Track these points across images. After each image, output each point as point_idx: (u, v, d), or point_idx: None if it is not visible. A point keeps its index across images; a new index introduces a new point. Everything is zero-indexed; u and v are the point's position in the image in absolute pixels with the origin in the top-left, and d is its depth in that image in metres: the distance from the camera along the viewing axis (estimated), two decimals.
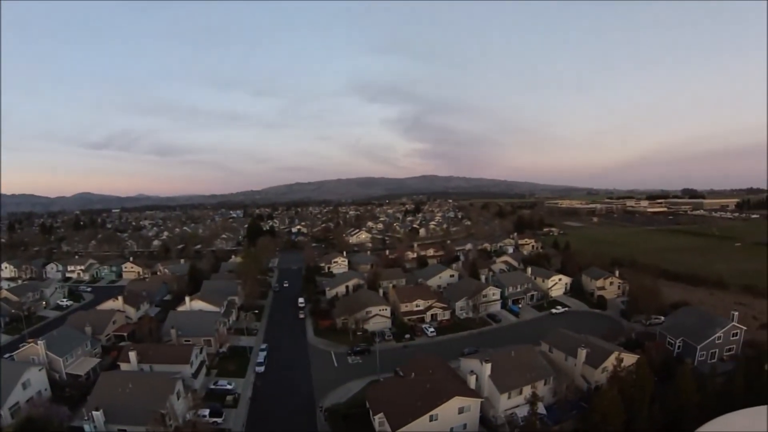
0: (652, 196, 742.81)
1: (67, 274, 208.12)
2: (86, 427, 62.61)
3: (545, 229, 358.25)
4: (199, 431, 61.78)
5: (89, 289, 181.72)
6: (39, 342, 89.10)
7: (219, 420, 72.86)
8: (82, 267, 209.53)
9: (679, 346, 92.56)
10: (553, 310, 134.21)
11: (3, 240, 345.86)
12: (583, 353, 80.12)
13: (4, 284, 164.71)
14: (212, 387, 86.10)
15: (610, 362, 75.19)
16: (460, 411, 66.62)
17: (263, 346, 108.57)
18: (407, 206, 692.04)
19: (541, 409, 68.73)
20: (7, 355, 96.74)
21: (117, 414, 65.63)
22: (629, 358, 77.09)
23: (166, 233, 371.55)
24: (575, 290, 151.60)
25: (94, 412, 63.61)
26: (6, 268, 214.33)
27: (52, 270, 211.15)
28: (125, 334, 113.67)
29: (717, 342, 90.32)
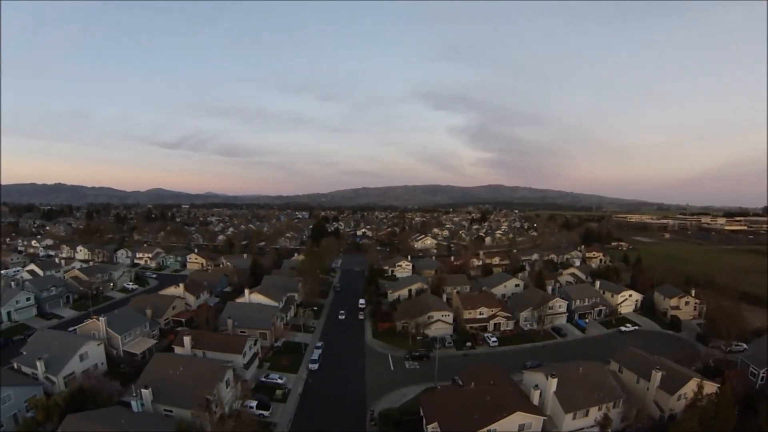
0: (730, 213, 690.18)
1: (136, 261, 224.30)
2: (133, 403, 64.43)
3: (613, 244, 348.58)
4: (243, 422, 61.22)
5: (154, 276, 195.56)
6: (100, 318, 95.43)
7: (266, 413, 72.70)
8: (150, 255, 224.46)
9: (762, 378, 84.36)
10: (622, 328, 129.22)
11: (81, 226, 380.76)
12: (657, 376, 74.83)
13: (77, 265, 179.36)
14: (263, 379, 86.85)
15: (689, 389, 72.03)
16: (521, 428, 62.93)
17: (319, 343, 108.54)
18: (473, 215, 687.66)
19: None
20: (70, 329, 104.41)
21: (165, 395, 67.31)
22: (709, 387, 72.16)
23: (231, 229, 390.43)
24: (646, 308, 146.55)
25: (142, 390, 65.50)
26: (81, 250, 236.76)
27: (122, 256, 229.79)
28: (183, 319, 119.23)
29: None
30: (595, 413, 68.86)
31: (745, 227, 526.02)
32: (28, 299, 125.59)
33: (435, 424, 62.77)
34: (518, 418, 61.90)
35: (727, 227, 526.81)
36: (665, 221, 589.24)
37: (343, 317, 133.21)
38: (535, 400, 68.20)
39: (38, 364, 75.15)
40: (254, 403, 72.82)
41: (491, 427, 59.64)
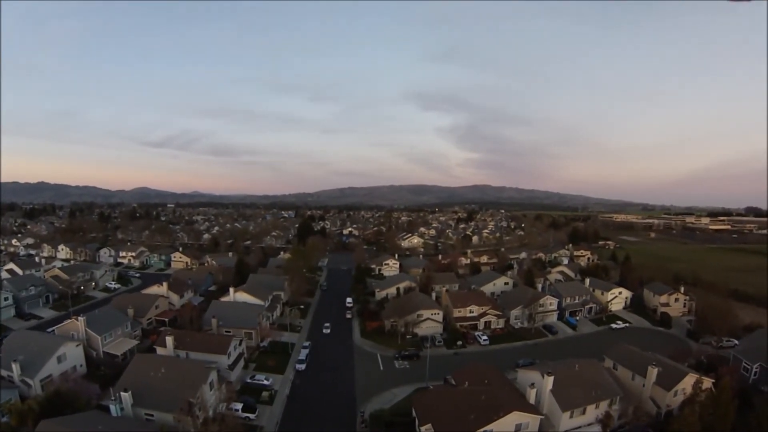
0: (714, 213, 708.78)
1: (119, 260, 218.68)
2: (112, 407, 61.15)
3: (600, 243, 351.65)
4: (228, 425, 58.49)
5: (138, 275, 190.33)
6: (79, 318, 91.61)
7: (252, 416, 70.10)
8: (133, 254, 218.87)
9: (755, 373, 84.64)
10: (613, 325, 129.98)
11: (63, 225, 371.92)
12: (654, 372, 74.45)
13: (58, 264, 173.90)
14: (249, 381, 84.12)
15: (686, 385, 72.27)
16: (518, 428, 61.21)
17: (306, 343, 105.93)
18: (459, 214, 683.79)
19: None
20: (49, 329, 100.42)
21: (146, 398, 64.25)
22: (705, 383, 73.04)
23: (216, 228, 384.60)
24: (636, 305, 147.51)
25: (122, 393, 62.27)
26: (62, 249, 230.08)
27: (105, 254, 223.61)
28: (166, 319, 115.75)
29: None
30: (592, 411, 67.63)
31: (729, 227, 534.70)
32: (6, 299, 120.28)
33: (428, 426, 60.70)
34: (515, 417, 60.24)
35: (711, 227, 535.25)
36: (651, 221, 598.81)
37: (329, 330, 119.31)
38: (531, 399, 66.57)
39: (13, 366, 71.52)
40: (239, 406, 69.99)
41: (488, 427, 57.68)
